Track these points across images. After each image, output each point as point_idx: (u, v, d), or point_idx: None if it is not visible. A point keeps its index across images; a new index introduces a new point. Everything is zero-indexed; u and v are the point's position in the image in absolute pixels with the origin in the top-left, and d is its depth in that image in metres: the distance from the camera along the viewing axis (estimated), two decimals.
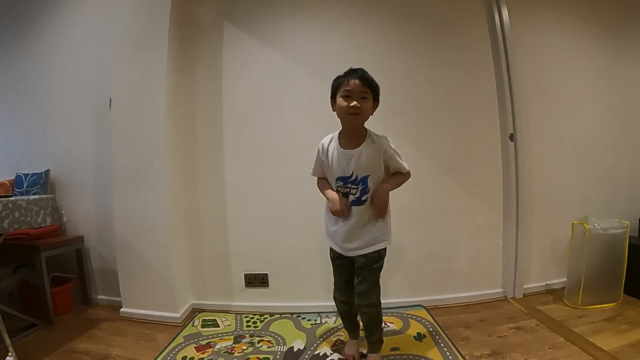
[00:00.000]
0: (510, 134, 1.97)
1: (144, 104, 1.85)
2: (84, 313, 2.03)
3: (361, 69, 1.23)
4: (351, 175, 1.27)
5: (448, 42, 1.99)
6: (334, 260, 1.41)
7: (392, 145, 1.29)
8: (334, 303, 1.43)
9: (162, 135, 1.83)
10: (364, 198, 1.27)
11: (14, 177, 2.16)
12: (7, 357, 1.36)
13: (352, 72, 1.22)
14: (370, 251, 1.29)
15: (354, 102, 1.19)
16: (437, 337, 1.60)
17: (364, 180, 1.26)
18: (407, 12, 1.97)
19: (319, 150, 1.37)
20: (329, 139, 1.34)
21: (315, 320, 1.83)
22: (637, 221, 2.19)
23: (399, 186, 1.34)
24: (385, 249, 1.32)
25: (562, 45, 2.15)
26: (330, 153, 1.31)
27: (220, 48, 1.98)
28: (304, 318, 1.87)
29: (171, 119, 1.88)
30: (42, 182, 2.10)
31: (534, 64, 2.06)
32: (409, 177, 1.36)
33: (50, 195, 2.11)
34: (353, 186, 1.27)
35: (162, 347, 1.60)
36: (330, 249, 1.41)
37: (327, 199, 1.34)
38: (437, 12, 1.98)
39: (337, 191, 1.31)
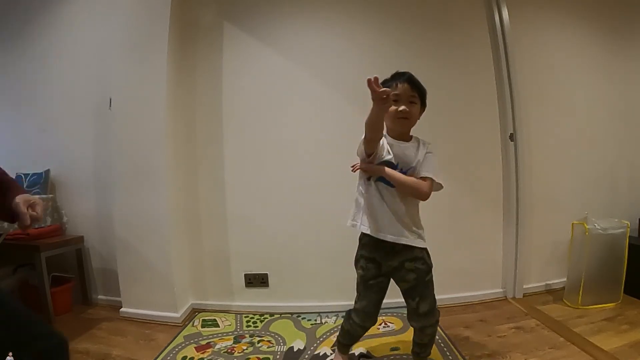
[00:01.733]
0: (510, 134, 1.97)
1: (144, 104, 1.85)
2: (84, 313, 2.03)
3: (409, 73, 1.19)
4: (396, 166, 1.19)
5: (448, 42, 1.99)
6: (368, 280, 1.22)
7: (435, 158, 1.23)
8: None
9: (162, 135, 1.83)
10: None
11: (14, 177, 2.16)
12: (7, 357, 1.36)
13: (400, 76, 1.17)
14: (418, 246, 1.21)
15: (403, 107, 1.15)
16: (437, 337, 1.60)
17: (404, 173, 1.18)
18: (408, 12, 1.97)
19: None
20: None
21: (315, 320, 1.83)
22: (637, 221, 2.19)
23: (407, 185, 1.16)
24: (430, 257, 1.26)
25: (562, 45, 2.15)
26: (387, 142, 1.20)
27: (221, 48, 1.98)
28: (304, 318, 1.87)
29: (171, 119, 1.88)
30: (42, 182, 2.10)
31: (534, 64, 2.06)
32: (425, 191, 1.17)
33: (51, 195, 2.12)
34: None
35: (162, 347, 1.60)
36: (365, 264, 1.22)
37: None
38: (437, 12, 1.98)
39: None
